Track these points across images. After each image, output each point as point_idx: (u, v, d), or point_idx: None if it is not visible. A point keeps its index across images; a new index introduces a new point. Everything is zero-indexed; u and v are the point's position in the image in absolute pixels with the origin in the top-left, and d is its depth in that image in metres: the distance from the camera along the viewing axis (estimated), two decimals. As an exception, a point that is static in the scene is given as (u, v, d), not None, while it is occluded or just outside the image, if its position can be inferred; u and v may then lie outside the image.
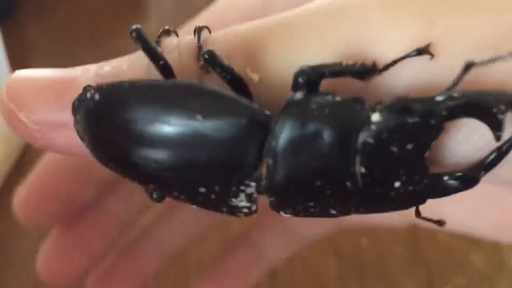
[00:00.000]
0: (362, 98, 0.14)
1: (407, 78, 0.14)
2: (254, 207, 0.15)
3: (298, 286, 0.37)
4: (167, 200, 0.16)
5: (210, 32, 0.17)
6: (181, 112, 0.14)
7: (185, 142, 0.14)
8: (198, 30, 0.16)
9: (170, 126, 0.14)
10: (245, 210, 0.15)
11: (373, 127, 0.13)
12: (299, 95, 0.14)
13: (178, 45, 0.16)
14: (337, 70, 0.14)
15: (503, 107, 0.13)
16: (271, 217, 0.28)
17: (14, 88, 0.17)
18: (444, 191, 0.14)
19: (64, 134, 0.17)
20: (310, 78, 0.14)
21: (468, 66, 0.13)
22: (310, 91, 0.14)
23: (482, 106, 0.13)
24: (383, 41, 0.14)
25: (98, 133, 0.15)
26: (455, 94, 0.13)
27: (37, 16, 0.61)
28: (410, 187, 0.14)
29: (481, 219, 0.26)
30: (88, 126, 0.15)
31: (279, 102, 0.14)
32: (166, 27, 0.17)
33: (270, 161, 0.14)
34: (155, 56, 0.15)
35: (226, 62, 0.15)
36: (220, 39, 0.16)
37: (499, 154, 0.14)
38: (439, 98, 0.13)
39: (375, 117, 0.13)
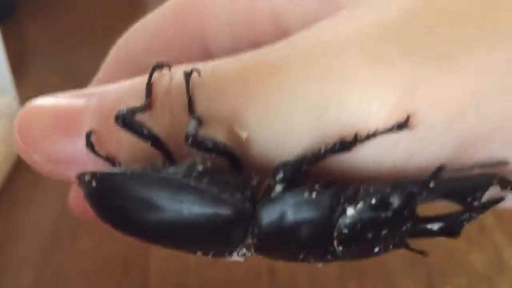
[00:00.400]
0: (338, 191, 0.14)
1: (383, 151, 0.14)
2: (249, 255, 0.16)
3: (298, 286, 0.37)
4: None
5: (200, 72, 0.16)
6: (171, 205, 0.15)
7: (178, 228, 0.15)
8: (186, 77, 0.16)
9: (161, 215, 0.15)
10: (242, 259, 0.16)
11: (348, 220, 0.14)
12: (279, 188, 0.15)
13: (169, 95, 0.16)
14: (317, 158, 0.15)
15: (478, 194, 0.14)
16: None
17: (23, 129, 0.18)
18: (426, 236, 0.15)
19: (76, 171, 0.17)
20: (289, 173, 0.15)
21: (440, 169, 0.14)
22: (289, 184, 0.15)
23: (457, 196, 0.14)
24: (364, 106, 0.14)
25: (100, 211, 0.17)
26: (431, 185, 0.14)
27: (37, 16, 0.61)
28: (391, 245, 0.15)
29: None
30: (91, 204, 0.17)
31: (269, 158, 0.15)
32: (159, 61, 0.17)
33: (255, 241, 0.15)
34: (147, 139, 0.16)
35: (210, 142, 0.15)
36: (209, 88, 0.16)
37: (478, 213, 0.15)
38: (414, 189, 0.14)
39: (350, 212, 0.14)
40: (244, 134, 0.15)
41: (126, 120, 0.16)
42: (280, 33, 0.19)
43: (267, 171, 0.15)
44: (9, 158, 0.45)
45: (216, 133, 0.15)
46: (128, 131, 0.16)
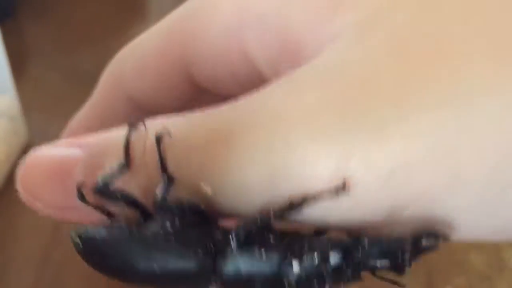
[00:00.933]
0: (285, 248, 0.17)
1: (330, 208, 0.16)
2: None
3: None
4: None
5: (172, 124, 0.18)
6: (145, 262, 0.18)
7: (153, 279, 0.18)
8: (157, 141, 0.17)
9: (138, 269, 0.18)
10: None
11: (294, 273, 0.17)
12: (234, 245, 0.17)
13: (144, 156, 0.18)
14: (268, 221, 0.17)
15: (407, 255, 0.16)
16: None
17: (24, 179, 0.20)
18: (376, 270, 0.17)
19: (74, 214, 0.20)
20: (242, 234, 0.17)
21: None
22: (244, 241, 0.17)
23: (390, 256, 0.16)
24: (308, 171, 0.16)
25: (89, 264, 0.19)
26: (369, 246, 0.16)
27: (37, 16, 0.61)
28: (343, 282, 0.17)
29: None
30: (81, 257, 0.19)
31: (233, 210, 0.17)
32: (131, 121, 0.18)
33: (220, 286, 0.18)
34: (124, 204, 0.18)
35: (177, 207, 0.17)
36: (178, 149, 0.18)
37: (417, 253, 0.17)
38: (350, 246, 0.16)
39: (295, 267, 0.17)
40: (208, 191, 0.17)
41: (104, 192, 0.18)
42: (252, 68, 0.21)
43: (233, 218, 0.18)
44: (9, 158, 0.45)
45: (186, 188, 0.17)
46: (107, 200, 0.18)
